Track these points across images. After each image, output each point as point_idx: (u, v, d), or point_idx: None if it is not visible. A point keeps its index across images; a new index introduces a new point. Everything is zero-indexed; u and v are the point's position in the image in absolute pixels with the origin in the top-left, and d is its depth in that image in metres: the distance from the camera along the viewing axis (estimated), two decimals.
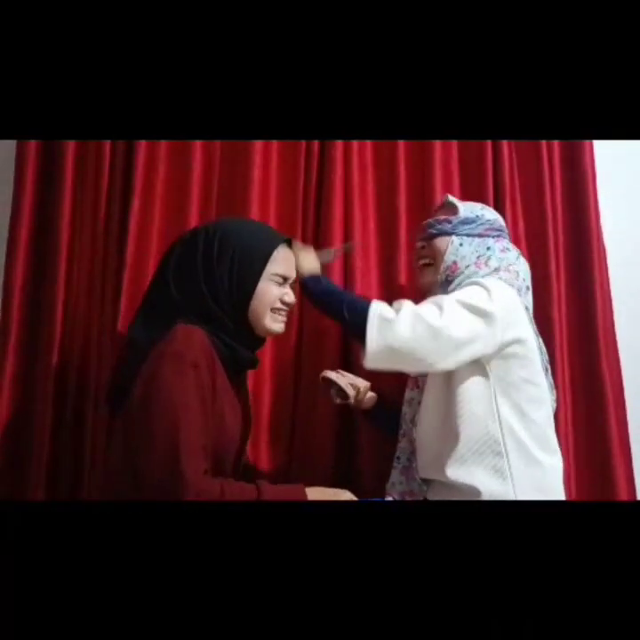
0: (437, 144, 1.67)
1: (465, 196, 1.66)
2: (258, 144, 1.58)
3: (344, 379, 1.39)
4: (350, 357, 1.53)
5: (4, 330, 1.48)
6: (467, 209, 1.35)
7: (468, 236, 1.31)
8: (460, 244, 1.30)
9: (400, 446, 1.31)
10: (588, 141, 1.76)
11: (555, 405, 1.34)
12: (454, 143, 1.71)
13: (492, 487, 1.16)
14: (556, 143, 1.76)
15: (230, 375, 1.14)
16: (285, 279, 1.20)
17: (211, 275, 1.12)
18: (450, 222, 1.32)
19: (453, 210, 1.35)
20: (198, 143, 1.58)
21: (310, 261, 1.32)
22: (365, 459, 1.49)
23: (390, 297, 1.47)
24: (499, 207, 1.65)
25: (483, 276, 1.26)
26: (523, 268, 1.34)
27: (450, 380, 1.23)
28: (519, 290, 1.27)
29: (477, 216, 1.34)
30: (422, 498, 1.25)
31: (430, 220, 1.36)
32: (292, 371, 1.56)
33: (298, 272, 1.27)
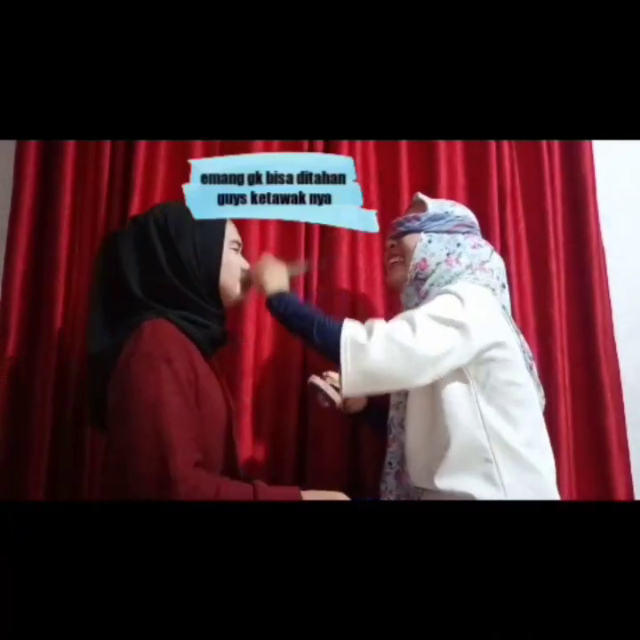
0: (442, 144, 1.67)
1: (470, 197, 1.67)
2: (259, 144, 1.58)
3: (331, 385, 1.35)
4: None
5: (4, 329, 1.48)
6: (435, 206, 1.34)
7: (436, 232, 1.30)
8: (429, 241, 1.29)
9: (390, 451, 1.29)
10: (587, 141, 1.76)
11: (543, 403, 1.32)
12: (458, 143, 1.71)
13: (483, 494, 1.13)
14: (555, 143, 1.77)
15: (206, 357, 1.13)
16: (239, 245, 1.21)
17: (174, 256, 1.10)
18: (418, 219, 1.31)
19: (422, 207, 1.34)
20: (198, 143, 1.58)
21: (277, 277, 1.25)
22: (369, 460, 1.48)
23: (394, 298, 1.48)
24: (500, 207, 1.66)
25: (456, 275, 1.25)
26: (497, 264, 1.31)
27: (432, 388, 1.21)
28: (494, 289, 1.26)
29: (446, 212, 1.32)
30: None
31: (399, 219, 1.35)
32: (296, 371, 1.55)
33: (264, 288, 1.23)
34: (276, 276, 1.25)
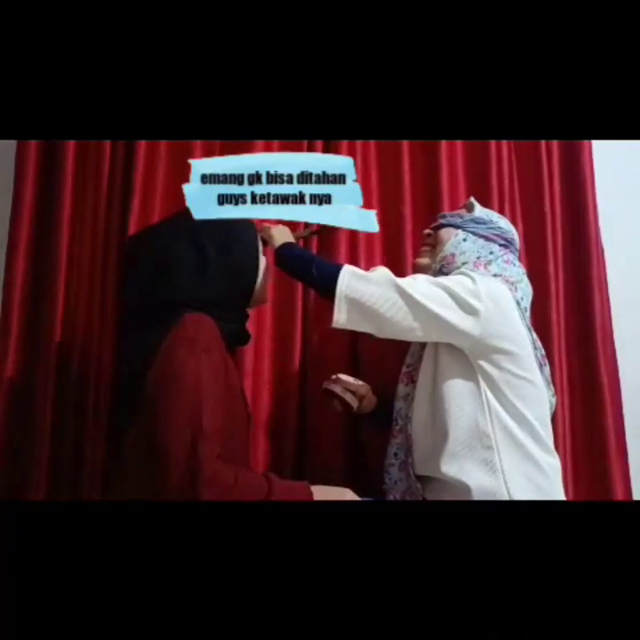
0: (442, 145, 1.67)
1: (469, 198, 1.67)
2: (259, 144, 1.58)
3: (347, 391, 1.35)
4: (358, 361, 1.53)
5: (5, 329, 1.48)
6: (483, 211, 1.35)
7: (473, 233, 1.30)
8: (464, 239, 1.29)
9: (396, 442, 1.29)
10: (586, 141, 1.77)
11: (554, 402, 1.32)
12: (459, 144, 1.72)
13: (481, 481, 1.14)
14: (555, 144, 1.77)
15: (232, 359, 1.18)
16: (264, 247, 1.26)
17: (226, 263, 1.15)
18: (461, 217, 1.32)
19: (471, 209, 1.35)
20: (198, 143, 1.58)
21: (285, 234, 1.31)
22: (373, 457, 1.48)
23: None
24: (499, 208, 1.66)
25: None
26: (525, 288, 1.31)
27: (437, 375, 1.22)
28: (518, 303, 1.25)
29: (491, 220, 1.33)
30: (420, 497, 1.24)
31: (444, 213, 1.37)
32: (298, 372, 1.55)
33: (272, 242, 1.28)
34: (283, 233, 1.31)
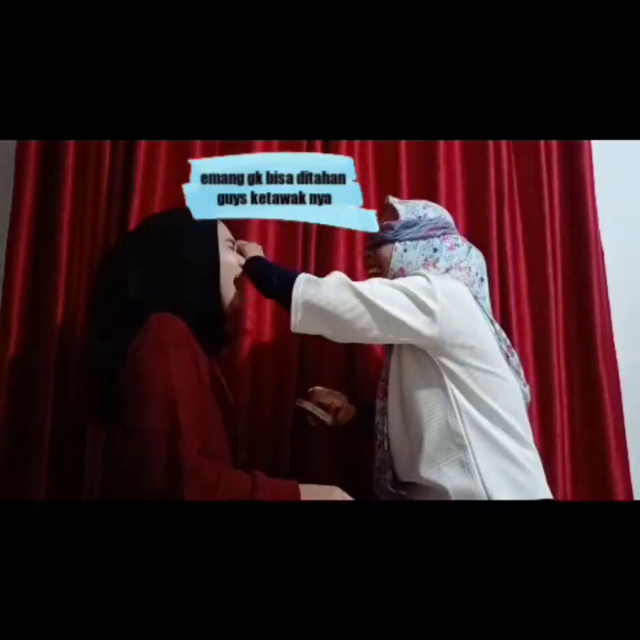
0: (440, 145, 1.67)
1: (468, 199, 1.67)
2: (259, 144, 1.58)
3: (318, 403, 1.34)
4: (354, 366, 1.54)
5: (4, 329, 1.48)
6: (408, 211, 1.31)
7: (411, 239, 1.27)
8: (405, 250, 1.27)
9: (377, 457, 1.28)
10: (586, 141, 1.77)
11: (528, 391, 1.30)
12: (457, 144, 1.72)
13: (458, 482, 1.13)
14: (554, 143, 1.77)
15: (208, 355, 1.16)
16: (234, 243, 1.25)
17: (178, 262, 1.13)
18: (391, 228, 1.29)
19: (395, 213, 1.32)
20: (198, 143, 1.58)
21: (256, 248, 1.31)
22: (367, 456, 1.48)
23: None
24: (498, 209, 1.66)
25: None
26: (475, 261, 1.29)
27: (402, 383, 1.21)
28: (472, 284, 1.25)
29: (419, 217, 1.30)
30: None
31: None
32: (295, 376, 1.55)
33: (243, 255, 1.27)
34: (254, 248, 1.31)
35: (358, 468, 1.48)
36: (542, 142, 1.74)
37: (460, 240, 1.32)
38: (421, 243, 1.28)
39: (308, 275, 1.21)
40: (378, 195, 1.68)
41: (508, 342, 1.28)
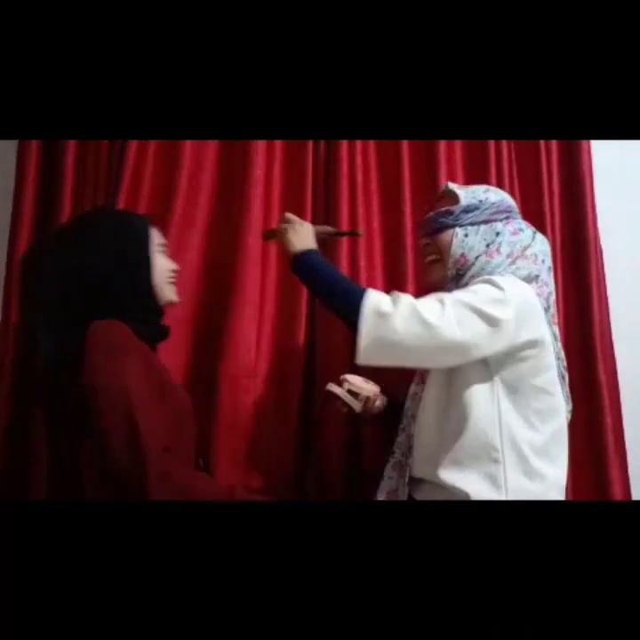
0: (442, 145, 1.67)
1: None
2: (260, 144, 1.58)
3: (348, 390, 1.31)
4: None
5: (5, 329, 1.48)
6: (468, 195, 1.26)
7: (472, 224, 1.22)
8: (466, 235, 1.22)
9: (397, 441, 1.25)
10: (585, 141, 1.77)
11: (569, 417, 1.27)
12: (458, 144, 1.72)
13: (482, 494, 1.10)
14: (553, 143, 1.77)
15: (154, 353, 1.17)
16: (165, 247, 1.24)
17: (93, 267, 1.12)
18: (451, 213, 1.24)
19: (454, 198, 1.26)
20: (195, 143, 1.58)
21: (304, 235, 1.24)
22: (371, 458, 1.48)
23: None
24: None
25: (496, 266, 1.19)
26: (540, 247, 1.24)
27: (451, 378, 1.17)
28: (539, 275, 1.21)
29: (480, 201, 1.24)
30: (405, 499, 1.21)
31: (432, 214, 1.28)
32: (302, 374, 1.55)
33: (288, 247, 1.22)
34: (303, 235, 1.23)
35: (362, 473, 1.49)
36: (542, 142, 1.74)
37: (525, 225, 1.27)
38: (483, 227, 1.23)
39: (375, 302, 1.12)
40: (380, 195, 1.68)
41: (565, 363, 1.25)
